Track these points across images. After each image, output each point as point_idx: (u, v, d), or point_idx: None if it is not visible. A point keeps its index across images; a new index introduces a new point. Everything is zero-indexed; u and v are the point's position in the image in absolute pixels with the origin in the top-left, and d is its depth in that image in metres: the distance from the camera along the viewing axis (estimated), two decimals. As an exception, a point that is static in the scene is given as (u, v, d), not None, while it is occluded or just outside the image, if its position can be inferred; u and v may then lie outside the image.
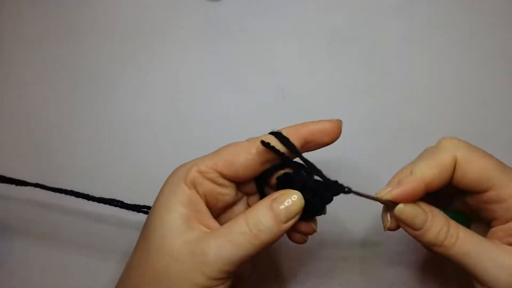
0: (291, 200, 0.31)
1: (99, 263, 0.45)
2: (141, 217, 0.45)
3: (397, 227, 0.33)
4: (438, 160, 0.32)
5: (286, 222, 0.31)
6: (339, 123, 0.34)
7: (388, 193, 0.31)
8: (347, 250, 0.44)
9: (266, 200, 0.31)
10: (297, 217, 0.31)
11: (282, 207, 0.31)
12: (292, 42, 0.49)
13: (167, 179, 0.34)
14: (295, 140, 0.33)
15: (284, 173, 0.33)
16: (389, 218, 0.33)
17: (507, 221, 0.32)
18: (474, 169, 0.32)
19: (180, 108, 0.48)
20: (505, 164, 0.33)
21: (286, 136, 0.32)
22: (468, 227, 0.33)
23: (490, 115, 0.46)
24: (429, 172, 0.31)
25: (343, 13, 0.49)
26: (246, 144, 0.33)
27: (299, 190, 0.31)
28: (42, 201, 0.45)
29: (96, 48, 0.49)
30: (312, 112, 0.47)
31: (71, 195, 0.40)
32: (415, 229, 0.32)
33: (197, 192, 0.32)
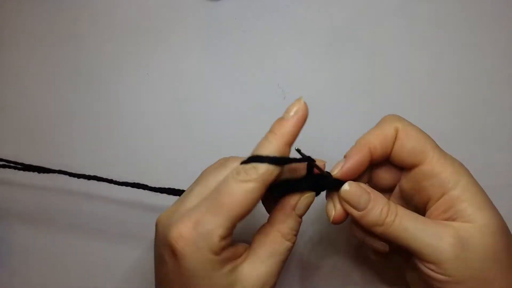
0: (308, 200, 0.34)
1: (100, 263, 0.45)
2: (142, 218, 0.45)
3: (343, 217, 0.35)
4: (381, 130, 0.35)
5: (302, 215, 0.34)
6: (305, 106, 0.34)
7: (337, 170, 0.34)
8: (345, 249, 0.44)
9: (289, 210, 0.33)
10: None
11: (301, 209, 0.34)
12: (292, 42, 0.49)
13: (183, 254, 0.31)
14: (287, 151, 0.33)
15: (287, 180, 0.34)
16: (333, 206, 0.35)
17: (440, 196, 0.33)
18: (411, 139, 0.34)
19: (180, 108, 0.48)
20: (437, 144, 0.34)
21: (280, 153, 0.32)
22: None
23: (490, 115, 0.46)
24: (372, 139, 0.34)
25: (343, 13, 0.49)
26: (257, 190, 0.31)
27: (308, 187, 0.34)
28: (43, 201, 0.45)
29: (96, 48, 0.49)
30: (312, 112, 0.47)
31: (95, 179, 0.40)
32: (359, 209, 0.33)
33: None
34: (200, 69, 0.49)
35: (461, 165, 0.34)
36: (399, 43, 0.48)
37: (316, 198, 0.35)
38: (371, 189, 0.34)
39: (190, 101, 0.48)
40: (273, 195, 0.34)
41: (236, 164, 0.33)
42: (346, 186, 0.33)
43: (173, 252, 0.31)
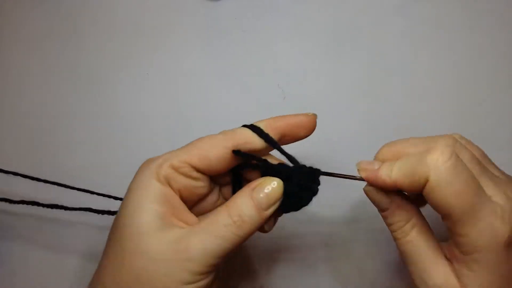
0: (270, 187, 0.31)
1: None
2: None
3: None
4: (414, 173, 0.30)
5: (267, 209, 0.31)
6: (314, 118, 0.34)
7: (364, 171, 0.33)
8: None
9: (246, 190, 0.32)
10: (277, 204, 0.32)
11: (262, 195, 0.31)
12: (292, 42, 0.49)
13: (136, 175, 0.33)
14: (272, 132, 0.33)
15: (265, 162, 0.33)
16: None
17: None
18: (438, 198, 0.30)
19: (180, 108, 0.48)
20: (480, 191, 0.30)
21: (263, 128, 0.33)
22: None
23: (490, 114, 0.46)
24: (401, 179, 0.31)
25: (343, 13, 0.49)
26: (221, 138, 0.33)
27: (285, 179, 0.32)
28: (43, 201, 0.45)
29: (96, 48, 0.49)
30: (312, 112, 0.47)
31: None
32: (380, 209, 0.33)
33: (171, 187, 0.32)
34: (200, 69, 0.49)
35: (495, 235, 0.29)
36: (399, 43, 0.48)
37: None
38: (399, 199, 0.33)
39: (190, 101, 0.48)
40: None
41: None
42: (368, 187, 0.33)
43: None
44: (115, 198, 0.41)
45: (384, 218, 0.33)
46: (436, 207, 0.30)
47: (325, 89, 0.48)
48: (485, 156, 0.35)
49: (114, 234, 0.32)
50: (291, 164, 0.33)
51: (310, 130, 0.34)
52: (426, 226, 0.33)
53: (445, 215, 0.30)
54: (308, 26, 0.49)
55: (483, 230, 0.29)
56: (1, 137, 0.47)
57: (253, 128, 0.33)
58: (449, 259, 0.31)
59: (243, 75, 0.48)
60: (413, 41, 0.48)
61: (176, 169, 0.32)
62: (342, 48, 0.49)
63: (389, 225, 0.33)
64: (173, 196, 0.32)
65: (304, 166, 0.33)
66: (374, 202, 0.33)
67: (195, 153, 0.32)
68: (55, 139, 0.47)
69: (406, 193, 0.34)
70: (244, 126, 0.33)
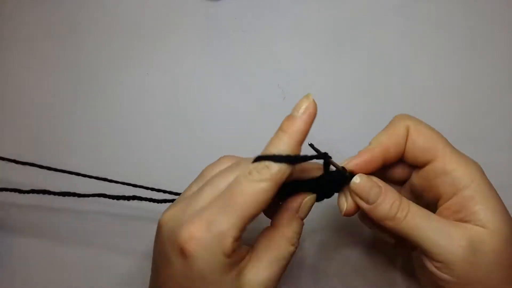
0: (310, 202, 0.34)
1: (100, 261, 0.45)
2: (141, 220, 0.45)
3: (355, 210, 0.34)
4: (393, 130, 0.34)
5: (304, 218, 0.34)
6: (314, 103, 0.33)
7: (347, 163, 0.34)
8: (344, 247, 0.44)
9: (291, 212, 0.33)
10: None
11: (304, 211, 0.34)
12: (292, 42, 0.49)
13: (195, 255, 0.30)
14: (298, 149, 0.32)
15: (293, 182, 0.34)
16: (345, 200, 0.34)
17: (452, 195, 0.33)
18: (422, 137, 0.34)
19: (180, 108, 0.48)
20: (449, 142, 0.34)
21: (291, 152, 0.32)
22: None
23: (490, 114, 0.46)
24: (385, 139, 0.34)
25: (343, 13, 0.49)
26: (270, 189, 0.30)
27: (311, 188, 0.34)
28: (42, 200, 0.45)
29: (96, 48, 0.49)
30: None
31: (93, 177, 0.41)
32: (369, 202, 0.33)
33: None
34: (200, 69, 0.49)
35: (475, 164, 0.33)
36: (399, 43, 0.48)
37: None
38: (383, 182, 0.33)
39: (190, 101, 0.48)
40: (280, 196, 0.33)
41: (245, 165, 0.32)
42: (356, 179, 0.33)
43: (183, 254, 0.29)
44: (130, 184, 0.41)
45: (376, 209, 0.33)
46: (422, 149, 0.33)
47: (325, 89, 0.48)
48: None
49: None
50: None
51: (314, 118, 0.33)
52: (409, 196, 0.34)
53: (429, 157, 0.33)
54: (308, 26, 0.49)
55: (467, 159, 0.33)
56: (1, 137, 0.47)
57: (291, 161, 0.31)
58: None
59: (243, 75, 0.48)
60: (413, 41, 0.48)
61: (237, 239, 0.30)
62: (342, 48, 0.49)
63: (386, 212, 0.32)
64: (235, 253, 0.31)
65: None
66: (363, 194, 0.33)
67: (248, 215, 0.30)
68: (55, 139, 0.47)
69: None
70: (270, 157, 0.31)
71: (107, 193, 0.40)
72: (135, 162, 0.47)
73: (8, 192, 0.42)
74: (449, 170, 0.33)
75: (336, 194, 0.35)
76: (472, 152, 0.45)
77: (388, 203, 0.32)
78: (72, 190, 0.40)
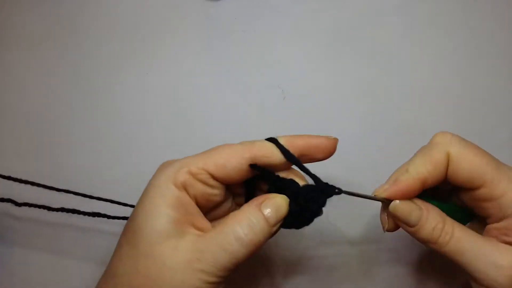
0: (277, 203, 0.32)
1: (100, 263, 0.45)
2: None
3: (396, 228, 0.34)
4: (432, 157, 0.32)
5: (275, 225, 0.31)
6: (335, 142, 0.34)
7: (384, 191, 0.32)
8: (346, 248, 0.44)
9: (255, 204, 0.32)
10: (281, 221, 0.32)
11: (269, 210, 0.31)
12: (292, 42, 0.49)
13: (153, 179, 0.32)
14: (291, 150, 0.33)
15: (278, 177, 0.33)
16: (387, 219, 0.34)
17: (500, 219, 0.32)
18: (466, 166, 0.32)
19: (180, 108, 0.48)
20: (498, 161, 0.33)
21: (283, 144, 0.33)
22: (469, 221, 0.33)
23: (490, 114, 0.46)
24: (423, 169, 0.32)
25: (343, 13, 0.49)
26: (240, 148, 0.32)
27: (292, 196, 0.32)
28: (42, 201, 0.45)
29: (96, 48, 0.49)
30: (312, 112, 0.47)
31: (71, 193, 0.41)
32: (410, 225, 0.32)
33: (188, 193, 0.32)
34: (200, 69, 0.49)
35: None
36: (399, 43, 0.48)
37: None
38: (426, 204, 0.32)
39: (190, 101, 0.48)
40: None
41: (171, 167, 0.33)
42: (396, 202, 0.32)
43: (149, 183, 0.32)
44: (125, 204, 0.41)
45: (420, 230, 0.32)
46: (467, 178, 0.31)
47: (325, 89, 0.48)
48: None
49: (127, 237, 0.32)
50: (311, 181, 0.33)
51: (329, 154, 0.33)
52: (460, 224, 0.33)
53: (477, 183, 0.31)
54: (308, 26, 0.49)
55: None
56: (1, 137, 0.47)
57: (274, 141, 0.33)
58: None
59: (243, 75, 0.48)
60: (413, 41, 0.48)
61: (194, 175, 0.32)
62: (342, 48, 0.49)
63: (428, 235, 0.32)
64: (189, 202, 0.32)
65: (323, 184, 0.32)
66: (403, 218, 0.32)
67: (213, 161, 0.32)
68: (55, 139, 0.47)
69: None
70: (268, 139, 0.33)
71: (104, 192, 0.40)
72: (135, 162, 0.47)
73: (8, 192, 0.42)
74: (497, 196, 0.31)
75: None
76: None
77: (430, 226, 0.31)
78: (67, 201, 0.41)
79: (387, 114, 0.47)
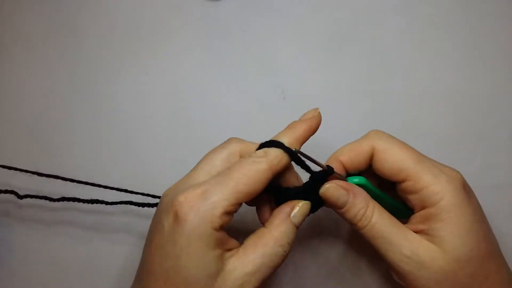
0: (304, 207, 0.34)
1: (100, 263, 0.45)
2: (138, 215, 0.45)
3: None
4: (358, 145, 0.36)
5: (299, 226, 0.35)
6: (320, 115, 0.36)
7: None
8: (346, 247, 0.44)
9: (284, 216, 0.34)
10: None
11: (299, 217, 0.34)
12: (292, 42, 0.49)
13: (185, 220, 0.31)
14: (297, 146, 0.35)
15: (288, 189, 0.35)
16: None
17: (420, 210, 0.34)
18: (390, 159, 0.35)
19: (180, 108, 0.48)
20: (424, 156, 0.35)
21: (288, 145, 0.34)
22: (409, 215, 0.35)
23: (490, 115, 0.46)
24: (346, 151, 0.36)
25: (343, 13, 0.49)
26: (264, 171, 0.33)
27: (306, 193, 0.35)
28: (42, 201, 0.45)
29: (96, 48, 0.49)
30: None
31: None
32: (337, 208, 0.35)
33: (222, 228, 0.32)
34: (200, 69, 0.49)
35: (449, 179, 0.34)
36: (399, 43, 0.48)
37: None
38: (355, 188, 0.35)
39: (190, 101, 0.48)
40: (276, 201, 0.35)
41: (238, 144, 0.35)
42: (325, 187, 0.34)
43: (175, 216, 0.31)
44: (153, 196, 0.41)
45: (345, 213, 0.34)
46: (391, 170, 0.34)
47: (325, 89, 0.48)
48: None
49: (169, 277, 0.31)
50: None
51: (317, 128, 0.36)
52: (382, 208, 0.35)
53: (401, 176, 0.34)
54: (308, 26, 0.49)
55: (440, 177, 0.33)
56: (1, 137, 0.47)
57: (289, 151, 0.34)
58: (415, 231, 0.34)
59: (243, 75, 0.48)
60: (413, 41, 0.48)
61: (228, 213, 0.32)
62: (342, 48, 0.49)
63: (351, 218, 0.34)
64: (224, 235, 0.32)
65: (319, 173, 0.35)
66: (332, 200, 0.34)
67: (241, 191, 0.32)
68: (54, 139, 0.47)
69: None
70: (270, 143, 0.34)
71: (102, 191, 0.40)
72: (135, 162, 0.47)
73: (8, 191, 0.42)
74: (419, 189, 0.34)
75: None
76: (472, 152, 0.45)
77: (355, 210, 0.34)
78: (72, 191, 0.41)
79: (387, 114, 0.47)
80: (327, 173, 0.35)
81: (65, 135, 0.47)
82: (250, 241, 0.33)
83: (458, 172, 0.34)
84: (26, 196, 0.42)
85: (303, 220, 0.34)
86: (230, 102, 0.48)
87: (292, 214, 0.34)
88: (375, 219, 0.34)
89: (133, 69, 0.49)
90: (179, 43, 0.49)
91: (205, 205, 0.31)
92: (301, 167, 0.35)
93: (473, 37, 0.48)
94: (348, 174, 0.36)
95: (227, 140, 0.36)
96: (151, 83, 0.48)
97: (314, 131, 0.36)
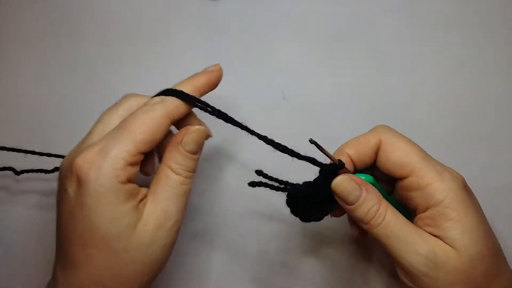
0: (194, 134, 0.34)
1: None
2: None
3: (342, 212, 0.36)
4: (365, 138, 0.35)
5: (198, 152, 0.34)
6: (220, 69, 0.37)
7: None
8: (346, 247, 0.44)
9: (173, 145, 0.34)
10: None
11: (190, 144, 0.34)
12: (292, 42, 0.49)
13: (90, 178, 0.30)
14: (197, 95, 0.35)
15: (291, 188, 0.34)
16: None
17: (425, 209, 0.33)
18: (395, 153, 0.34)
19: (180, 108, 0.48)
20: (428, 154, 0.34)
21: (189, 92, 0.35)
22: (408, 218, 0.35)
23: (490, 115, 0.46)
24: (353, 144, 0.35)
25: (343, 13, 0.49)
26: (160, 117, 0.33)
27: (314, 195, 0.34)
28: (42, 201, 0.45)
29: (95, 47, 0.49)
30: (312, 112, 0.47)
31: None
32: (348, 203, 0.33)
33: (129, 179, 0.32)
34: (200, 68, 0.48)
35: (454, 179, 0.33)
36: (399, 43, 0.48)
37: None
38: (367, 185, 0.33)
39: (190, 101, 0.48)
40: (296, 211, 0.35)
41: (135, 98, 0.35)
42: (339, 178, 0.33)
43: (77, 179, 0.31)
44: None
45: (356, 210, 0.33)
46: (396, 164, 0.34)
47: (325, 89, 0.48)
48: None
49: (85, 239, 0.31)
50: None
51: (217, 82, 0.37)
52: (393, 207, 0.34)
53: (405, 171, 0.33)
54: (308, 26, 0.49)
55: (444, 174, 0.33)
56: (1, 137, 0.47)
57: (186, 98, 0.34)
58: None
59: (243, 75, 0.48)
60: (414, 40, 0.48)
61: (131, 164, 0.32)
62: (342, 48, 0.49)
63: (363, 215, 0.33)
64: (133, 186, 0.32)
65: (327, 165, 0.34)
66: (344, 195, 0.33)
67: (141, 140, 0.32)
68: (54, 138, 0.47)
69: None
70: (170, 91, 0.35)
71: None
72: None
73: (8, 191, 0.42)
74: (423, 185, 0.33)
75: None
76: (472, 152, 0.45)
77: (367, 207, 0.33)
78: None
79: (387, 114, 0.47)
80: (337, 167, 0.33)
81: (64, 134, 0.47)
82: (154, 181, 0.33)
83: (458, 173, 0.34)
84: (23, 171, 0.42)
85: (198, 147, 0.34)
86: (230, 102, 0.48)
87: (182, 142, 0.33)
88: (389, 217, 0.32)
89: (133, 69, 0.49)
90: (179, 43, 0.49)
91: (105, 160, 0.31)
92: (305, 160, 0.34)
93: (473, 37, 0.48)
94: (355, 171, 0.36)
95: (122, 96, 0.36)
96: (151, 83, 0.48)
97: (214, 84, 0.36)
